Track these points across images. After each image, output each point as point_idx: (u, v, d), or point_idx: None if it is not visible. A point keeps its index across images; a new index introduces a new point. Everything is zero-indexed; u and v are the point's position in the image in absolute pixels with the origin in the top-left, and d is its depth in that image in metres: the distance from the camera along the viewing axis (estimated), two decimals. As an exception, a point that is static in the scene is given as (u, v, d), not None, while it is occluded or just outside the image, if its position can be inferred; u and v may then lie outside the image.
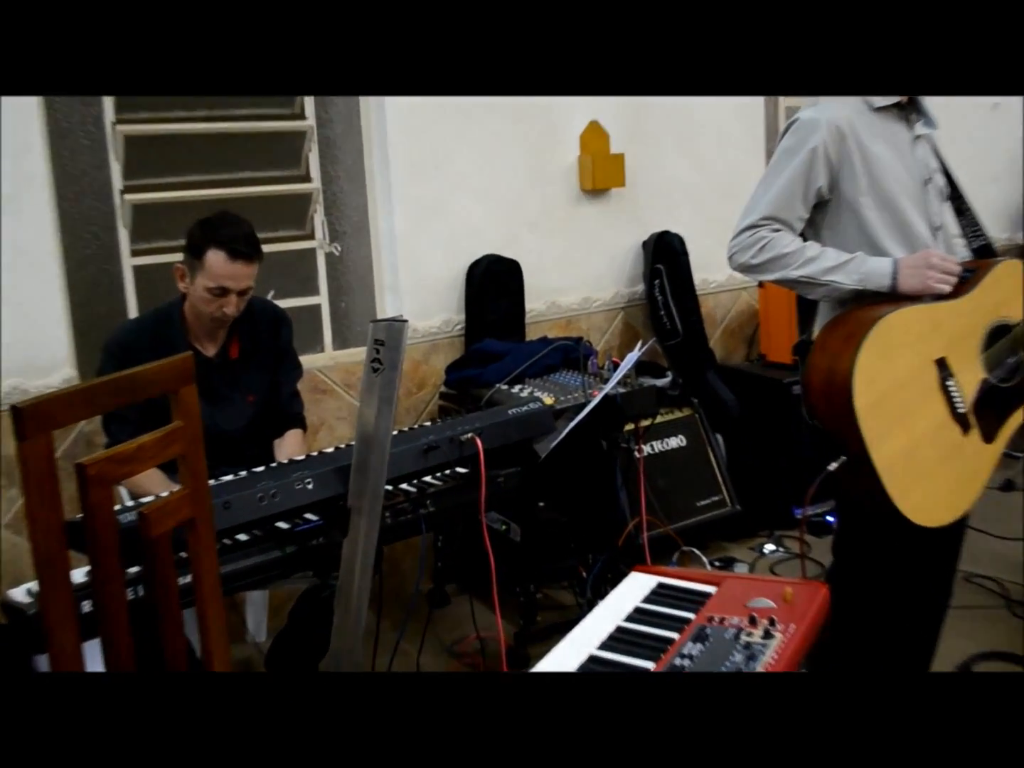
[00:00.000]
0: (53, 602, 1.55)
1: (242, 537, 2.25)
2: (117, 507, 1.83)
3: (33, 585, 2.02)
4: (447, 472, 2.61)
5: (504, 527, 3.39)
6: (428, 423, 2.68)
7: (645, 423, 3.51)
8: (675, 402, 4.11)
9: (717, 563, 3.98)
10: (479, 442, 2.50)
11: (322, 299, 3.96)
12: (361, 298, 4.07)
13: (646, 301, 4.49)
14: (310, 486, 2.25)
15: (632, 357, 3.05)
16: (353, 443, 2.27)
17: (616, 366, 3.23)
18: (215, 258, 2.71)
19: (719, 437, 4.19)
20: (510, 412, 2.71)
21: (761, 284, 4.53)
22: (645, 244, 4.47)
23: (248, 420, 2.93)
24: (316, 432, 3.74)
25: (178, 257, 2.87)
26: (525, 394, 3.32)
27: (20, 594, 2.04)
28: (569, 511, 3.58)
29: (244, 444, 2.92)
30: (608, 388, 3.04)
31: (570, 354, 3.63)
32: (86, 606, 1.93)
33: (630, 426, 3.47)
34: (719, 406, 4.27)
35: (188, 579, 1.88)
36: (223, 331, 2.89)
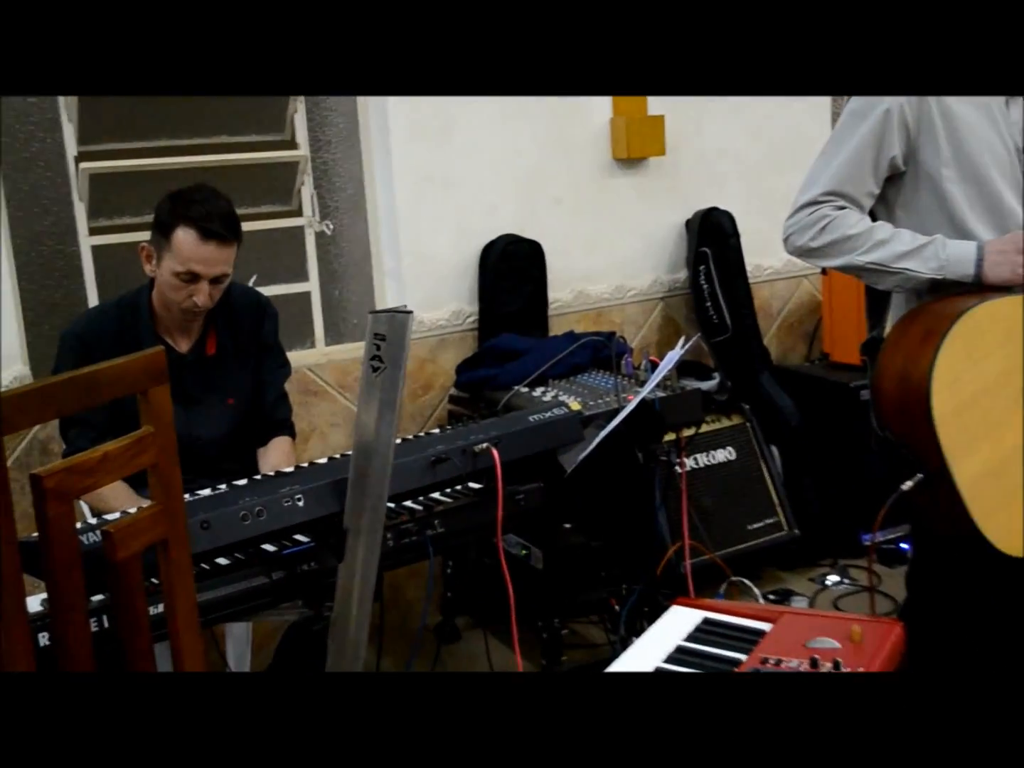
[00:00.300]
0: (5, 634, 1.57)
1: (222, 561, 2.27)
2: (78, 525, 1.86)
3: (-19, 615, 2.05)
4: (458, 488, 2.63)
5: (524, 552, 3.40)
6: (436, 431, 2.70)
7: (688, 433, 3.52)
8: (723, 408, 4.11)
9: (771, 596, 3.98)
10: (495, 453, 2.51)
11: (312, 286, 3.98)
12: (357, 285, 4.10)
13: (689, 290, 4.49)
14: (300, 503, 2.27)
15: (673, 356, 3.06)
16: (350, 453, 2.29)
17: (654, 366, 3.24)
18: (185, 237, 2.73)
19: (774, 450, 4.18)
20: (531, 419, 2.73)
21: (824, 271, 4.52)
22: (689, 223, 4.47)
23: (228, 426, 2.96)
24: (306, 440, 3.76)
25: (145, 236, 2.90)
26: (548, 398, 3.32)
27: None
28: (600, 534, 3.59)
29: (223, 454, 2.95)
30: (645, 392, 3.05)
31: (600, 352, 3.64)
32: (43, 639, 1.96)
33: (670, 436, 3.48)
34: (774, 413, 4.27)
35: (160, 609, 1.90)
36: (197, 323, 2.92)
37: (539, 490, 2.71)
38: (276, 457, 2.98)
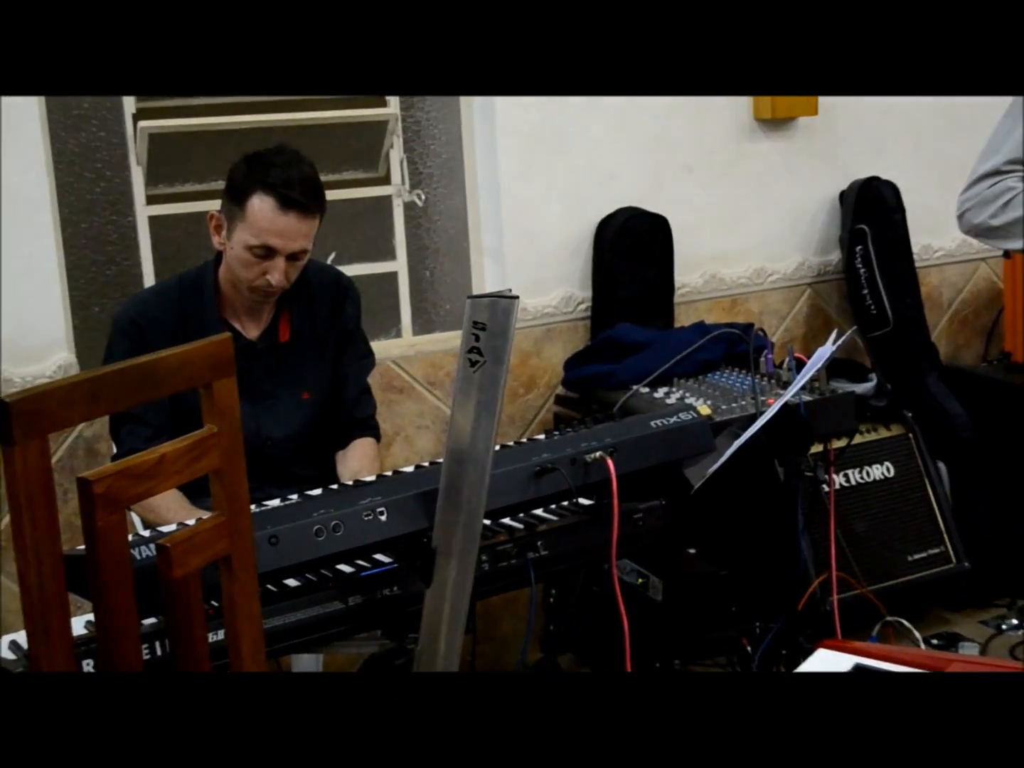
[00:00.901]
0: (46, 660, 1.60)
1: (292, 583, 2.29)
2: (131, 537, 1.89)
3: (20, 637, 2.10)
4: (565, 504, 2.62)
5: (641, 581, 3.39)
6: (540, 436, 2.70)
7: (839, 444, 3.47)
8: (881, 416, 4.06)
9: (935, 641, 3.92)
10: (610, 464, 2.50)
11: (399, 265, 4.01)
12: (452, 265, 4.12)
13: (843, 275, 4.44)
14: (383, 517, 2.28)
15: (823, 353, 3.02)
16: (440, 461, 2.30)
17: (800, 364, 3.20)
18: (261, 206, 2.76)
19: (942, 466, 4.12)
20: (652, 424, 2.71)
21: (1007, 254, 4.43)
22: (844, 196, 4.42)
23: (301, 425, 2.99)
24: (389, 444, 3.80)
25: (210, 206, 2.94)
26: (673, 400, 3.30)
27: (2, 648, 2.11)
28: (730, 562, 3.56)
29: (295, 457, 2.99)
30: (789, 395, 3.01)
31: (736, 347, 3.60)
32: (87, 666, 2.00)
33: (817, 448, 3.44)
34: (943, 423, 4.20)
35: (220, 636, 1.93)
36: (269, 306, 2.95)
37: (660, 508, 2.69)
38: (358, 462, 3.01)
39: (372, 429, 3.13)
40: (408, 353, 3.89)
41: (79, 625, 2.13)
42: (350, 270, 3.51)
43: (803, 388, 3.11)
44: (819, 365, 3.05)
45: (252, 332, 2.95)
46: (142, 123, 3.51)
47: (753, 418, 2.95)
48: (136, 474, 1.69)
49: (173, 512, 2.71)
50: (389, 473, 2.55)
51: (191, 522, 2.23)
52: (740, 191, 4.28)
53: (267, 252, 2.78)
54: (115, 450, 2.96)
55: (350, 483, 2.54)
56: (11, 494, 1.56)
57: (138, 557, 1.98)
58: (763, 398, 3.13)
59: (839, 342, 3.08)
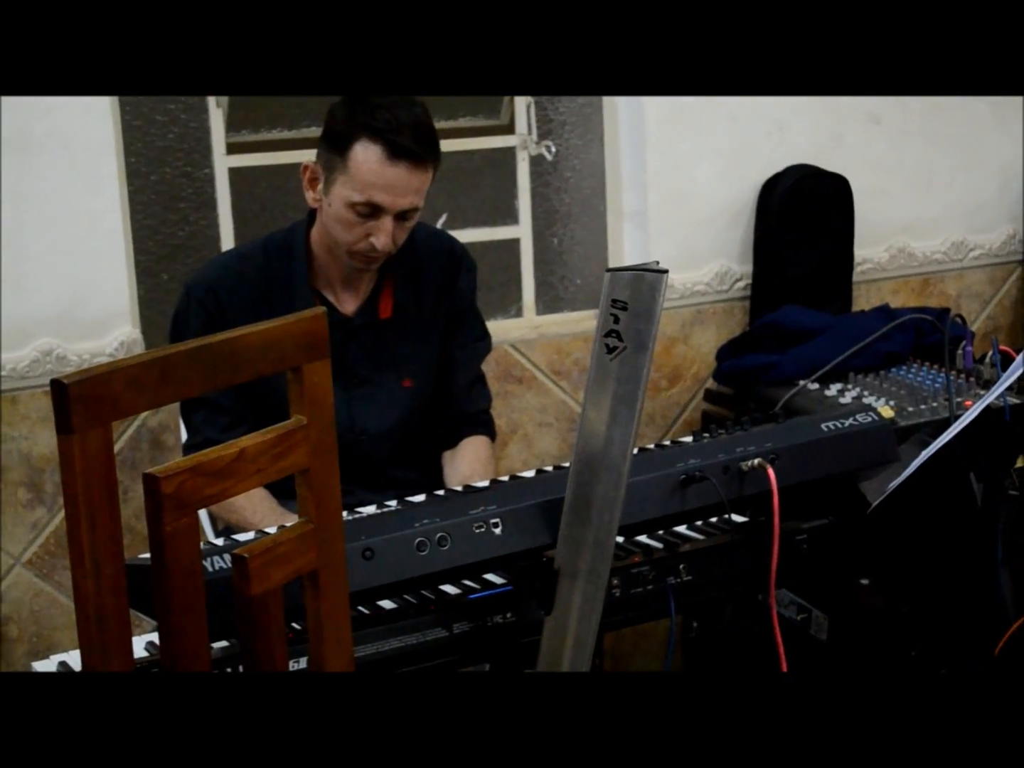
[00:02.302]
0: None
1: (388, 604, 2.32)
2: (202, 546, 1.92)
3: (71, 657, 2.15)
4: (714, 520, 2.62)
5: (802, 616, 3.37)
6: (687, 439, 2.69)
7: (1051, 458, 3.42)
8: (1105, 425, 3.99)
9: None
10: (771, 473, 2.49)
11: (523, 231, 4.03)
12: (586, 232, 4.12)
13: (1065, 252, 4.38)
14: (497, 530, 2.29)
15: (1035, 346, 2.98)
16: (566, 466, 2.31)
17: (1007, 360, 3.16)
18: (366, 155, 2.78)
19: None
20: (824, 427, 2.69)
21: None
22: (1066, 154, 4.36)
23: (402, 417, 3.02)
24: (505, 444, 3.82)
25: (301, 156, 2.96)
26: (849, 399, 3.28)
27: (51, 669, 2.17)
28: (911, 596, 3.53)
29: (395, 456, 3.02)
30: (991, 396, 2.97)
31: (927, 336, 3.57)
32: (148, 695, 2.04)
33: (1024, 461, 3.40)
34: None
35: (303, 663, 1.96)
36: (369, 276, 2.98)
37: (829, 529, 2.68)
38: (468, 465, 3.03)
39: (486, 426, 3.15)
40: (530, 336, 3.90)
41: (139, 646, 2.17)
42: (464, 236, 3.53)
43: (1009, 388, 3.07)
44: (1029, 362, 3.01)
45: (348, 306, 2.98)
46: (224, 57, 3.55)
47: (946, 423, 2.92)
48: (211, 471, 1.71)
49: (260, 515, 2.76)
50: (505, 478, 2.57)
51: (273, 530, 2.27)
52: (938, 147, 4.23)
53: (372, 210, 2.79)
54: (185, 438, 3.01)
55: (459, 489, 2.56)
56: (67, 491, 1.59)
57: (210, 569, 2.02)
58: (959, 399, 3.10)
59: (1056, 335, 3.04)
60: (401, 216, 2.82)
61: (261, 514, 2.76)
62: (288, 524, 1.90)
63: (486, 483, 2.52)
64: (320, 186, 2.86)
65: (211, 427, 2.87)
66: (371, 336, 2.99)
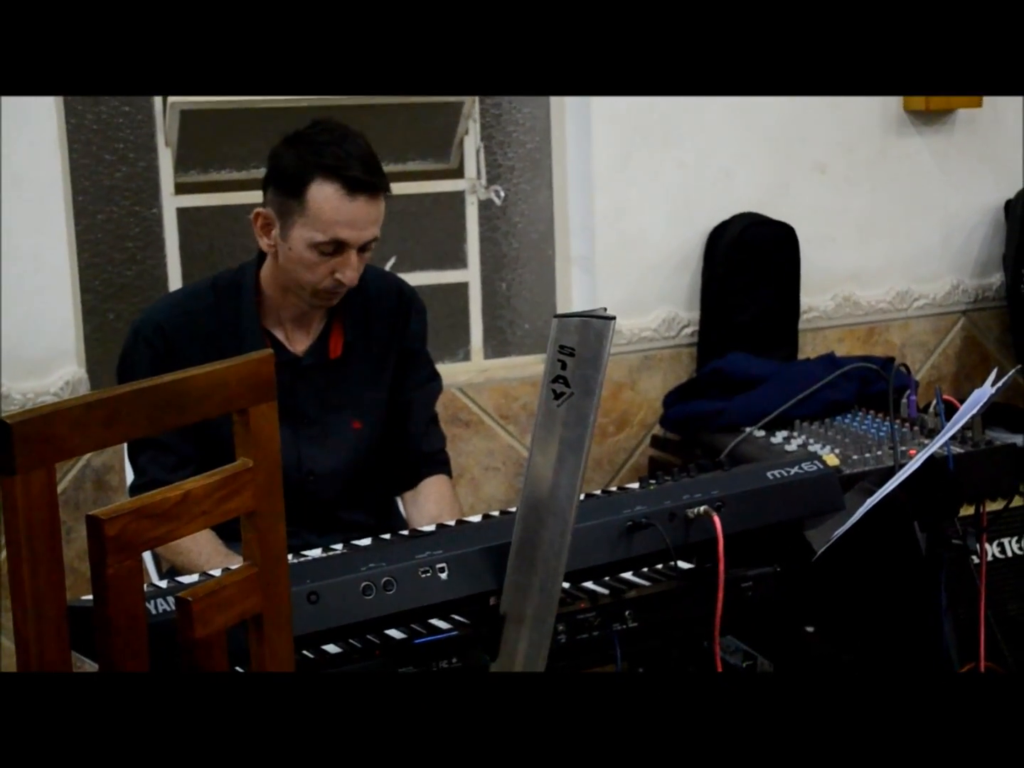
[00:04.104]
0: (44, 729, 1.62)
1: (332, 649, 2.31)
2: (146, 588, 1.91)
3: (10, 700, 2.13)
4: (660, 567, 2.62)
5: (747, 663, 3.37)
6: (633, 485, 2.69)
7: (994, 507, 3.44)
8: (1046, 474, 4.02)
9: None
10: (717, 521, 2.49)
11: (471, 275, 4.04)
12: (534, 277, 4.13)
13: (1006, 302, 4.41)
14: (443, 575, 2.29)
15: (980, 396, 3.00)
16: (513, 511, 2.30)
17: (951, 409, 3.17)
18: (324, 194, 2.77)
19: (1119, 538, 4.07)
20: (769, 475, 2.70)
21: None
22: (1010, 206, 4.39)
23: (350, 459, 3.01)
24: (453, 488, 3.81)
25: (251, 197, 2.96)
26: (794, 447, 3.29)
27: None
28: (855, 645, 3.54)
29: (342, 498, 3.01)
30: (935, 445, 2.99)
31: (872, 385, 3.59)
32: (89, 739, 2.02)
33: (968, 510, 3.41)
34: (1122, 485, 4.16)
35: (246, 709, 1.95)
36: (319, 316, 2.97)
37: (774, 576, 2.68)
38: (436, 505, 3.03)
39: (444, 465, 3.15)
40: (478, 380, 3.91)
41: (80, 689, 2.16)
42: (412, 279, 3.50)
43: (953, 438, 3.08)
44: (974, 411, 3.02)
45: (298, 345, 2.97)
46: (173, 98, 3.54)
47: (891, 472, 2.93)
48: (155, 514, 1.70)
49: (206, 556, 2.74)
50: (452, 523, 2.56)
51: (218, 572, 2.26)
52: (883, 197, 4.27)
53: (336, 247, 2.79)
54: (131, 479, 2.99)
55: (404, 533, 2.56)
56: (9, 532, 1.58)
57: (154, 612, 2.00)
58: (903, 448, 3.11)
59: (999, 384, 3.05)
60: (363, 248, 2.83)
61: (206, 556, 2.74)
62: (234, 566, 1.88)
63: (432, 528, 2.52)
64: (275, 231, 2.84)
65: (157, 467, 2.85)
66: (321, 376, 2.98)
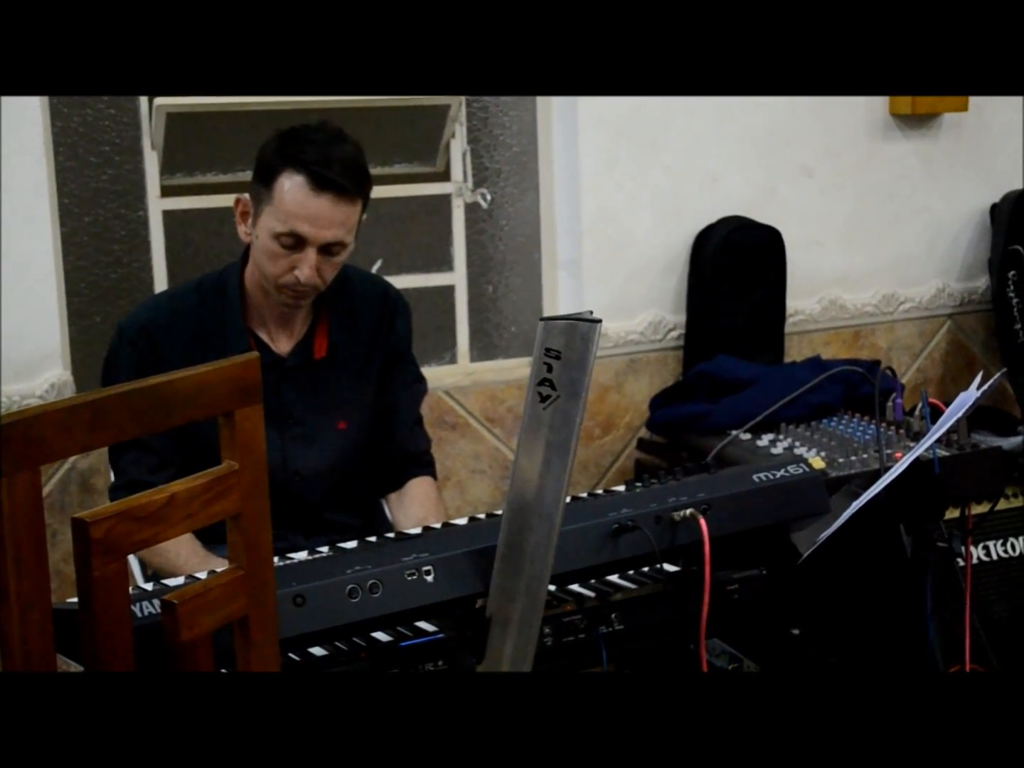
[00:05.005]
0: (29, 732, 1.62)
1: (318, 651, 2.31)
2: (131, 591, 1.91)
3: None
4: (646, 570, 2.62)
5: (733, 666, 3.37)
6: (619, 488, 2.70)
7: (980, 509, 3.44)
8: (1032, 478, 4.03)
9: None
10: (703, 524, 2.50)
11: (457, 278, 4.04)
12: (520, 280, 4.13)
13: (991, 305, 4.42)
14: (429, 578, 2.28)
15: (965, 399, 3.00)
16: (499, 513, 2.30)
17: (936, 413, 3.18)
18: (290, 186, 2.77)
19: (1104, 541, 4.08)
20: (755, 478, 2.70)
21: None
22: (996, 210, 4.40)
23: (336, 460, 3.01)
24: (438, 491, 3.80)
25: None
26: (780, 450, 3.29)
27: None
28: (842, 646, 3.54)
29: (328, 499, 3.01)
30: (921, 448, 2.99)
31: (858, 388, 3.59)
32: (74, 742, 2.02)
33: (953, 513, 3.41)
34: (1107, 488, 4.17)
35: (232, 712, 1.95)
36: (303, 316, 2.97)
37: (760, 580, 2.68)
38: (421, 507, 3.03)
39: (430, 466, 3.16)
40: (464, 383, 3.91)
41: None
42: (399, 282, 3.52)
43: (939, 441, 3.09)
44: (959, 414, 3.03)
45: (283, 346, 2.97)
46: (159, 100, 3.54)
47: (876, 475, 2.93)
48: (141, 516, 1.70)
49: (185, 559, 2.74)
50: (438, 526, 2.56)
51: (204, 575, 2.25)
52: (869, 201, 4.27)
53: (296, 241, 2.78)
54: (113, 479, 2.98)
55: (391, 536, 2.55)
56: (-7, 535, 1.58)
57: (139, 615, 2.00)
58: (889, 451, 3.11)
59: (985, 387, 3.06)
60: (326, 250, 2.81)
61: (185, 558, 2.74)
62: (214, 569, 1.88)
63: (418, 530, 2.52)
64: (250, 220, 2.86)
65: (138, 468, 2.85)
66: (305, 377, 2.98)
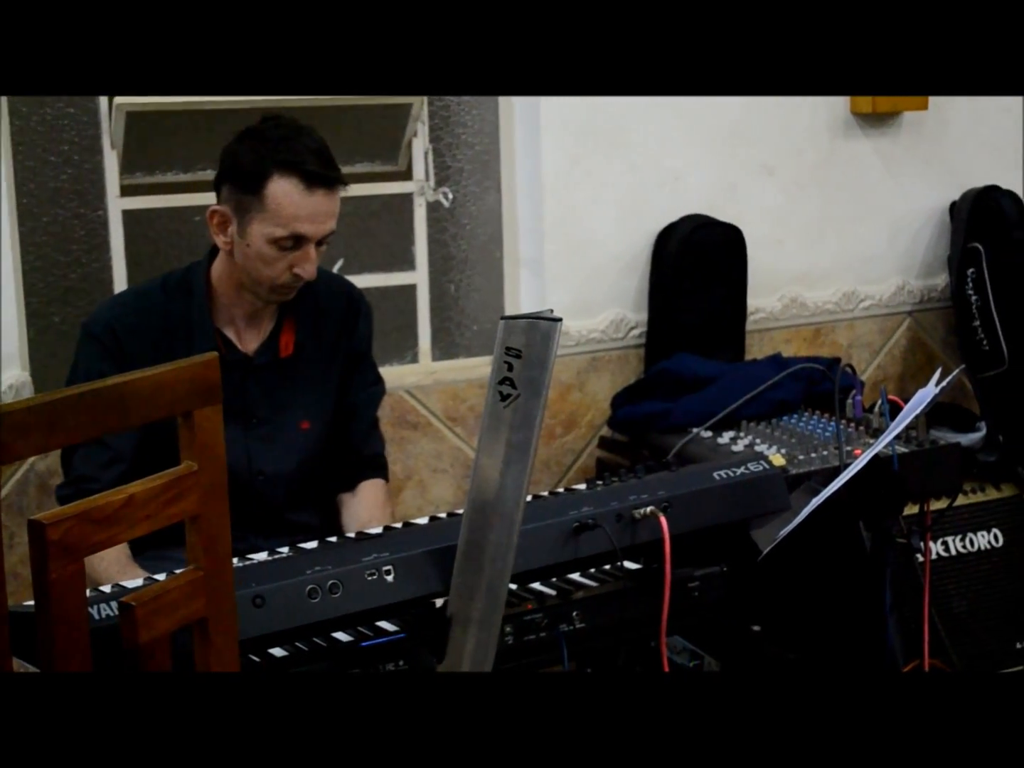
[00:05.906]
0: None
1: (278, 652, 2.30)
2: (88, 593, 1.90)
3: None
4: (607, 568, 2.63)
5: (694, 663, 3.38)
6: (580, 486, 2.70)
7: (938, 506, 3.46)
8: (990, 473, 4.04)
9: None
10: (663, 521, 2.50)
11: (419, 277, 4.03)
12: (482, 279, 4.13)
13: (951, 303, 4.43)
14: (389, 578, 2.28)
15: (924, 396, 3.01)
16: (460, 513, 2.30)
17: (895, 409, 3.19)
18: (285, 190, 2.77)
19: (1062, 536, 4.10)
20: (716, 476, 2.71)
21: None
22: (955, 208, 4.41)
23: (299, 460, 3.01)
24: (400, 491, 3.80)
25: (200, 199, 2.94)
26: (741, 447, 3.30)
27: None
28: (802, 643, 3.55)
29: (290, 500, 3.00)
30: (880, 445, 3.00)
31: (817, 385, 3.60)
32: (32, 745, 2.01)
33: (912, 509, 3.43)
34: (1066, 484, 4.19)
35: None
36: (269, 315, 2.96)
37: (720, 577, 2.69)
38: (367, 511, 3.03)
39: (382, 469, 3.16)
40: (425, 382, 3.90)
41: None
42: (360, 281, 3.50)
43: (898, 438, 3.10)
44: (918, 410, 3.04)
45: (249, 344, 2.96)
46: (119, 99, 3.51)
47: (836, 472, 2.94)
48: (99, 518, 1.69)
49: (105, 566, 2.70)
50: (398, 525, 2.56)
51: (137, 583, 2.25)
52: (830, 199, 4.28)
53: (296, 242, 2.80)
54: (65, 478, 2.97)
55: (351, 535, 2.55)
56: (-49, 537, 1.58)
57: (96, 616, 1.99)
58: (849, 448, 3.12)
59: (943, 384, 3.07)
60: (320, 242, 2.84)
61: (106, 566, 2.70)
62: (129, 583, 1.88)
63: (379, 530, 2.51)
64: (232, 228, 2.83)
65: (88, 464, 2.83)
66: (271, 375, 2.97)
